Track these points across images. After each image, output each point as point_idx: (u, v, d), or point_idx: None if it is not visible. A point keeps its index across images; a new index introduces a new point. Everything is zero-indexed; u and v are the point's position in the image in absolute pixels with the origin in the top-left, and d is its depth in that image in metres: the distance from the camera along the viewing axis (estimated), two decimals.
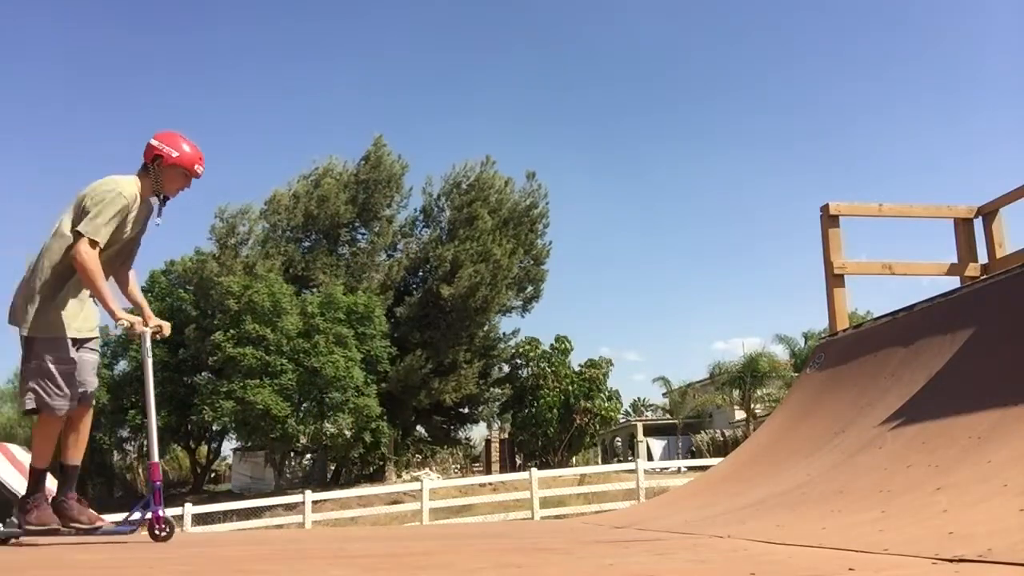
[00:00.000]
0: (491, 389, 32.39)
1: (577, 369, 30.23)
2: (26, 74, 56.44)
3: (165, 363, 28.69)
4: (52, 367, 3.48)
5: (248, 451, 32.91)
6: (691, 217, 70.81)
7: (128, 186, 3.68)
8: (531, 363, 30.65)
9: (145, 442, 30.98)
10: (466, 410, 32.93)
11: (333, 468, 30.73)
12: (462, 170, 31.54)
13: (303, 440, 27.47)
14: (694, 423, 37.66)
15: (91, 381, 3.71)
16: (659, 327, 77.38)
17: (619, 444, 42.05)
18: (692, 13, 71.90)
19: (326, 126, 61.74)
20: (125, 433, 31.90)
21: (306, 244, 30.66)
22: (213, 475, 38.67)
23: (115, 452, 34.60)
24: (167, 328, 3.92)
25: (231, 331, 25.47)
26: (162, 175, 3.78)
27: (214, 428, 30.62)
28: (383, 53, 65.31)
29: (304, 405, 26.38)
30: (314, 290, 28.33)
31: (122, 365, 30.91)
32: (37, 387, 3.47)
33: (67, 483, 3.69)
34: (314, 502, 16.14)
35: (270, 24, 64.17)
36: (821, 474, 4.02)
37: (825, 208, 6.45)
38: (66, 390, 3.51)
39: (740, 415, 35.32)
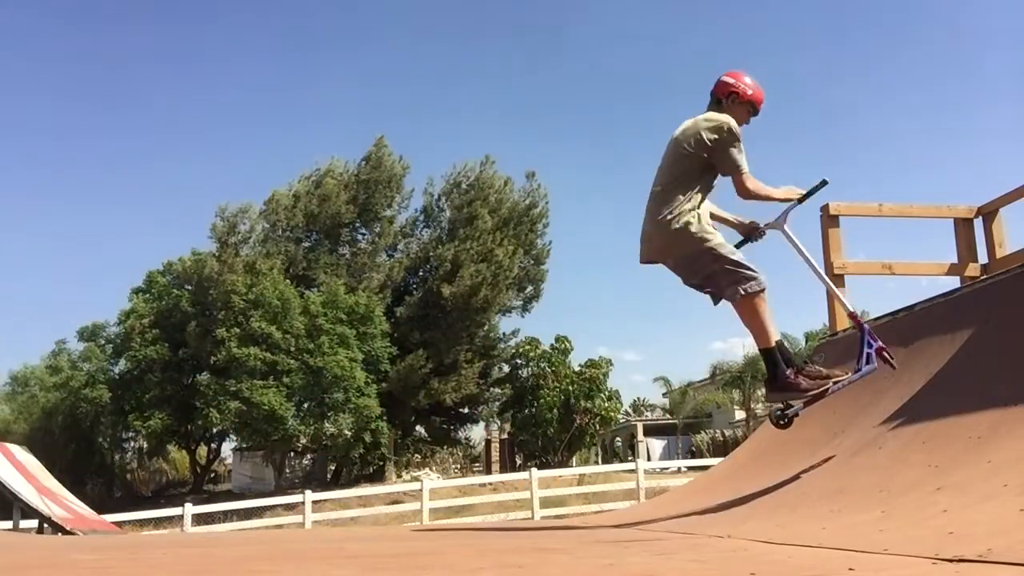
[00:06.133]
0: (491, 389, 32.37)
1: (577, 369, 30.22)
2: (23, 72, 56.43)
3: (166, 362, 28.63)
4: (733, 255, 3.86)
5: (248, 451, 32.88)
6: None
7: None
8: (531, 363, 30.58)
9: (144, 444, 31.17)
10: (466, 410, 32.91)
11: (333, 468, 30.70)
12: (462, 170, 31.60)
13: (303, 440, 27.42)
14: (694, 423, 37.71)
15: None
16: (657, 327, 77.41)
17: (619, 444, 42.06)
18: (690, 9, 71.95)
19: (326, 126, 61.75)
20: (125, 433, 31.79)
21: (307, 244, 30.66)
22: (213, 475, 38.56)
23: (115, 452, 34.49)
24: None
25: (235, 329, 25.40)
26: (734, 110, 4.03)
27: (214, 430, 30.51)
28: (383, 53, 65.37)
29: (305, 405, 26.36)
30: (315, 290, 28.32)
31: (122, 364, 30.82)
32: (739, 276, 3.81)
33: (786, 356, 3.99)
34: (314, 502, 16.14)
35: (270, 23, 64.22)
36: (821, 474, 4.02)
37: (825, 208, 6.44)
38: (753, 266, 3.87)
39: (740, 415, 35.37)
